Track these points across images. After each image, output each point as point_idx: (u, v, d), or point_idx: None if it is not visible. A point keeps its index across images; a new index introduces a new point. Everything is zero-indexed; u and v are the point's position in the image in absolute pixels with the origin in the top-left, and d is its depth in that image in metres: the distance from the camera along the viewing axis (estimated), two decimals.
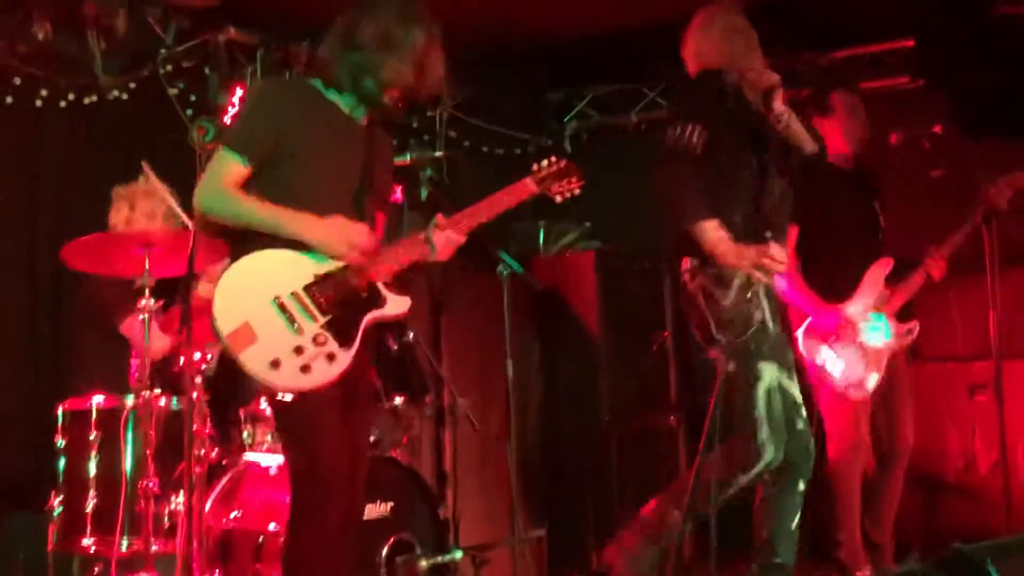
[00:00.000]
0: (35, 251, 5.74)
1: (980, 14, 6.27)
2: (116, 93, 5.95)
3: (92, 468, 4.70)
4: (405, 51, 4.02)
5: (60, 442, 4.79)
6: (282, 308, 3.88)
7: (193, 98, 6.23)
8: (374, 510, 5.01)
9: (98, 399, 4.76)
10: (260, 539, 4.83)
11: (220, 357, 4.97)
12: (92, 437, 4.70)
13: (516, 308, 4.88)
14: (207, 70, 6.28)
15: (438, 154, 5.59)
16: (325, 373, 3.89)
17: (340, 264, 3.99)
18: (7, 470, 5.42)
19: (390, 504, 5.08)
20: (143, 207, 5.30)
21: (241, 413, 5.26)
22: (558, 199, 4.28)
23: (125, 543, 4.61)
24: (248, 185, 3.97)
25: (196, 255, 4.03)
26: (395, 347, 5.43)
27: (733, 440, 4.74)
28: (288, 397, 3.99)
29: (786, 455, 4.73)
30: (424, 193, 5.18)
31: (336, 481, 3.95)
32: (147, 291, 4.49)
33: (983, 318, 5.51)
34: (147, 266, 4.48)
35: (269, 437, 5.18)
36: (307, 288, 3.93)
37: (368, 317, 4.02)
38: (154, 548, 4.51)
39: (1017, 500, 5.56)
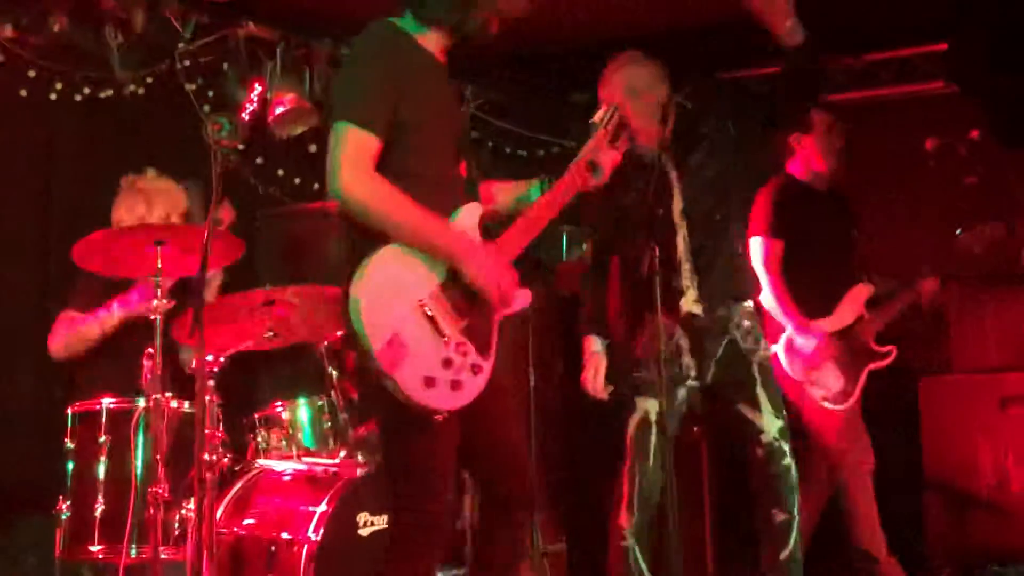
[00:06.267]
0: (47, 248, 5.63)
1: (1014, 18, 6.13)
2: (132, 88, 5.87)
3: (101, 472, 4.56)
4: None
5: (69, 444, 4.66)
6: (426, 314, 3.29)
7: (211, 94, 6.14)
8: (383, 523, 4.78)
9: (108, 401, 4.62)
10: (272, 548, 4.68)
11: (233, 358, 4.81)
12: (101, 440, 4.56)
13: (538, 315, 4.69)
14: (225, 66, 6.17)
15: None
16: (473, 388, 3.35)
17: None
18: (16, 472, 5.30)
19: None
20: (161, 205, 5.14)
21: (256, 417, 5.13)
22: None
23: (134, 550, 4.47)
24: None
25: (210, 255, 3.86)
26: None
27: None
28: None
29: None
30: None
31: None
32: (159, 291, 4.33)
33: (1016, 330, 5.35)
34: (159, 265, 4.33)
35: (283, 442, 5.03)
36: (443, 287, 3.34)
37: (498, 315, 3.46)
38: (163, 556, 4.38)
39: None
